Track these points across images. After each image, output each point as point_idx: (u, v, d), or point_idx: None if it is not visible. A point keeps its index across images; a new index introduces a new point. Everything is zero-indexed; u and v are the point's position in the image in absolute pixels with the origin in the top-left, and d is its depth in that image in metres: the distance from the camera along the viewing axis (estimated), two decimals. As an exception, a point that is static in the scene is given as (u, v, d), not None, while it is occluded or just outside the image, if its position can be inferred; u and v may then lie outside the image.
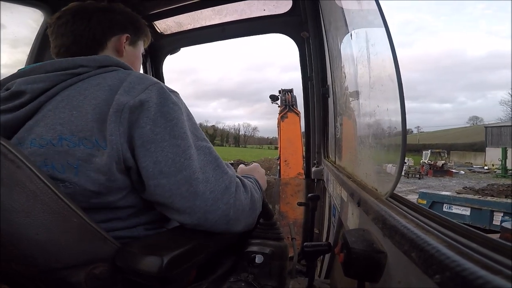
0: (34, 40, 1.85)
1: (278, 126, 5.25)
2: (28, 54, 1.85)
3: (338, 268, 1.28)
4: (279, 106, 5.50)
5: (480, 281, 0.31)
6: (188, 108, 0.93)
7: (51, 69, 0.89)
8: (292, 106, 5.16)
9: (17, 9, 1.76)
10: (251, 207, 0.96)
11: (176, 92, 0.92)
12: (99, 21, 1.03)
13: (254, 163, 1.30)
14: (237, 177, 0.98)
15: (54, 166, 0.79)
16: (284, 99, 5.29)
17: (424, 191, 13.02)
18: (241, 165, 1.32)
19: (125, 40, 1.08)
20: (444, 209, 11.03)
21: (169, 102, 0.85)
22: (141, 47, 1.18)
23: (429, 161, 28.96)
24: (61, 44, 1.01)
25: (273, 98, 5.77)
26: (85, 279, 0.74)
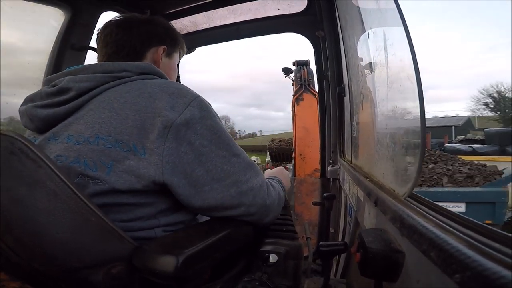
0: (55, 39, 1.88)
1: (292, 110, 4.59)
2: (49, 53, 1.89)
3: (355, 267, 1.28)
4: (292, 84, 4.80)
5: (503, 281, 0.31)
6: None
7: (100, 70, 0.95)
8: (309, 86, 4.45)
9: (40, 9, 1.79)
10: (278, 203, 1.10)
11: (210, 104, 0.98)
12: (140, 33, 1.11)
13: (278, 167, 1.44)
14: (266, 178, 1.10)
15: (86, 163, 0.83)
16: (299, 75, 4.55)
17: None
18: (268, 170, 1.47)
19: (162, 52, 1.16)
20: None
21: (211, 115, 0.94)
22: (176, 59, 1.26)
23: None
24: (105, 53, 1.10)
25: (286, 71, 5.09)
26: (103, 278, 0.74)
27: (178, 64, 1.35)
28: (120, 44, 1.09)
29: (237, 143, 0.99)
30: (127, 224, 0.86)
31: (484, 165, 7.60)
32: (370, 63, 1.25)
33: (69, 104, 0.92)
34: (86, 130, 0.86)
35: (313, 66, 2.49)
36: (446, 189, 6.86)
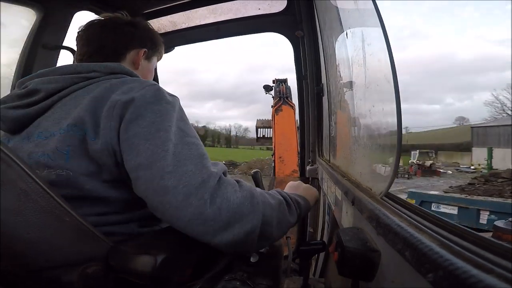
0: (26, 38, 1.84)
1: (272, 120, 5.13)
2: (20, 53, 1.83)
3: (333, 266, 1.29)
4: (273, 97, 5.41)
5: (472, 280, 0.32)
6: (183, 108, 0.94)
7: (67, 71, 0.97)
8: (287, 98, 5.07)
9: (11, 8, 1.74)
10: (251, 210, 0.80)
11: (176, 97, 0.93)
12: (123, 34, 1.13)
13: (307, 184, 1.21)
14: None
15: (48, 154, 0.84)
16: (278, 90, 5.19)
17: (413, 191, 13.10)
18: (291, 182, 1.23)
19: (142, 54, 1.17)
20: (433, 208, 10.94)
21: (163, 101, 0.86)
22: (154, 62, 1.27)
23: (417, 161, 29.17)
24: (85, 52, 1.10)
25: (267, 88, 5.70)
26: (78, 278, 0.73)
27: (156, 68, 1.35)
28: (102, 44, 1.09)
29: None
30: (102, 218, 0.85)
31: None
32: (351, 82, 1.26)
33: (38, 105, 0.93)
34: (53, 126, 0.88)
35: (292, 67, 2.54)
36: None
